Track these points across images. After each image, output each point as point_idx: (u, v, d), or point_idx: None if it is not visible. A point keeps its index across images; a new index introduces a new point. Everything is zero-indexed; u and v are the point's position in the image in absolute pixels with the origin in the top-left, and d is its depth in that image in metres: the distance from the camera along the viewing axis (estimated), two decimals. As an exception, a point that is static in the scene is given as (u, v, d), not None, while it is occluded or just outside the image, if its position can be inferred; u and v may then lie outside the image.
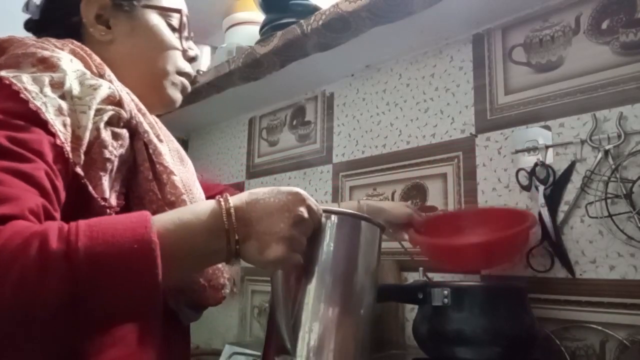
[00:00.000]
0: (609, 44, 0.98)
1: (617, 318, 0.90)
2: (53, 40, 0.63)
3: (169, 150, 0.68)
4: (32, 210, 0.48)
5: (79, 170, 0.54)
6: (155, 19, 0.73)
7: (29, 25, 0.74)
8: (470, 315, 0.84)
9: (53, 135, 0.52)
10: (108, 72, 0.63)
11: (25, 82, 0.53)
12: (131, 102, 0.63)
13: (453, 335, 0.84)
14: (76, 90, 0.55)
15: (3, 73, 0.54)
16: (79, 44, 0.64)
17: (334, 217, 0.64)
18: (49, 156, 0.51)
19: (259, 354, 1.04)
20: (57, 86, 0.54)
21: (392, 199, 1.33)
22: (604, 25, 0.99)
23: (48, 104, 0.52)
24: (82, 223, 0.46)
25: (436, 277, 1.16)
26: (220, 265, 0.69)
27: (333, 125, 1.55)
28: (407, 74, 1.36)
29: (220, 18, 1.72)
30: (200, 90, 1.61)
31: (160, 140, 0.67)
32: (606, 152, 0.94)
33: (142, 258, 0.46)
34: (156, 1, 0.73)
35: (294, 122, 1.69)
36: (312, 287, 0.61)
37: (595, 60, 1.00)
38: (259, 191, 0.57)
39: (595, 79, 0.99)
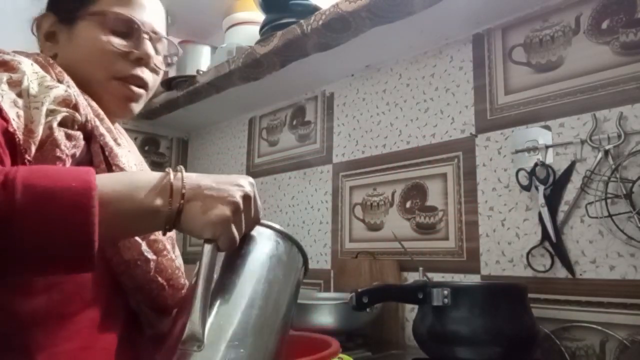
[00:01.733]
0: (609, 44, 0.98)
1: (617, 318, 0.90)
2: (18, 50, 0.65)
3: (128, 152, 0.69)
4: None
5: (28, 157, 0.53)
6: (93, 27, 0.72)
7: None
8: (470, 315, 0.84)
9: (6, 121, 0.52)
10: (67, 79, 0.65)
11: None
12: (87, 107, 0.64)
13: (453, 335, 0.84)
14: (33, 89, 0.57)
15: None
16: (43, 56, 0.67)
17: (264, 229, 0.65)
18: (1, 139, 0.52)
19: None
20: (15, 84, 0.56)
21: (392, 199, 1.33)
22: (604, 25, 0.99)
23: (4, 96, 0.54)
24: (20, 172, 0.46)
25: (436, 277, 1.16)
26: (179, 264, 0.69)
27: (333, 125, 1.55)
28: (407, 74, 1.36)
29: (220, 18, 1.72)
30: (200, 90, 1.61)
31: (118, 144, 0.67)
32: (606, 152, 0.94)
33: (78, 194, 0.46)
34: (97, 8, 0.72)
35: (294, 122, 1.69)
36: (236, 282, 0.57)
37: (595, 60, 1.00)
38: (210, 175, 0.58)
39: (595, 79, 0.99)
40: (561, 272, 0.99)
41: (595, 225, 0.96)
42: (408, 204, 1.29)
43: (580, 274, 0.96)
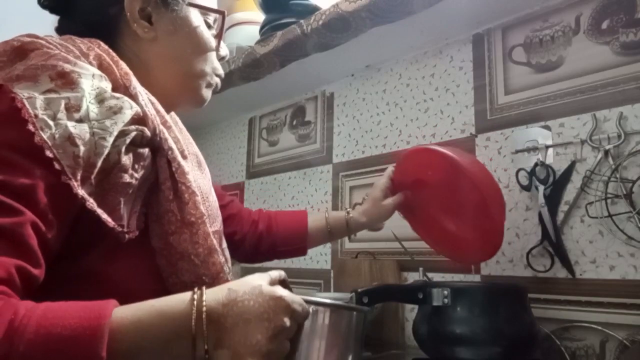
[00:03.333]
0: (609, 44, 0.98)
1: (617, 318, 0.90)
2: (78, 41, 0.59)
3: (191, 163, 0.66)
4: (1, 280, 0.45)
5: (90, 205, 0.52)
6: (197, 19, 0.69)
7: (53, 7, 0.69)
8: (470, 315, 0.84)
9: (58, 173, 0.49)
10: (134, 83, 0.60)
11: (39, 107, 0.50)
12: (156, 116, 0.61)
13: (453, 335, 0.84)
14: (94, 112, 0.52)
15: (18, 90, 0.50)
16: (105, 47, 0.61)
17: (320, 310, 0.63)
18: (42, 202, 0.49)
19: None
20: (74, 109, 0.51)
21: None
22: (604, 25, 0.99)
23: (57, 135, 0.50)
24: (34, 319, 0.44)
25: (436, 277, 1.16)
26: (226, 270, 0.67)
27: (333, 125, 1.55)
28: (407, 74, 1.36)
29: (220, 18, 1.72)
30: (200, 90, 1.61)
31: (184, 157, 0.64)
32: (606, 152, 0.94)
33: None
34: (201, 0, 0.71)
35: (294, 122, 1.69)
36: None
37: (595, 60, 1.00)
38: (239, 288, 0.52)
39: (595, 79, 0.99)
40: (561, 272, 0.99)
41: (595, 225, 0.96)
42: (408, 204, 1.29)
43: (580, 274, 0.96)
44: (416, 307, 0.94)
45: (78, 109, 0.52)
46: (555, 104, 1.04)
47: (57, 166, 0.49)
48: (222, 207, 0.88)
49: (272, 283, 0.56)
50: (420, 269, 1.12)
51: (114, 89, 0.57)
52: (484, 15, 1.15)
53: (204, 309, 0.49)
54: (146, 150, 0.58)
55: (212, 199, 0.74)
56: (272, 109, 1.79)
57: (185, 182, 0.62)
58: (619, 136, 0.93)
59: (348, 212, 1.04)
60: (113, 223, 0.54)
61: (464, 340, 0.84)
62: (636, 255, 0.90)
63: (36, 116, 0.49)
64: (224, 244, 0.75)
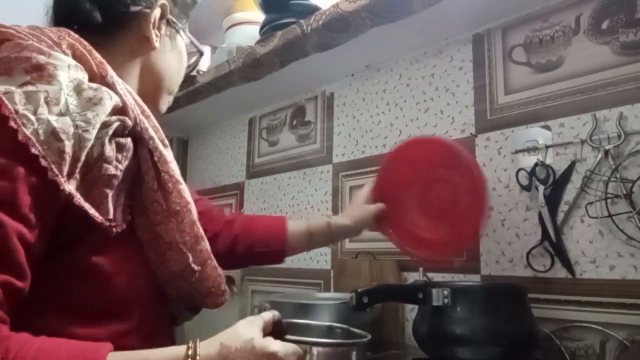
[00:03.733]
0: (609, 44, 0.98)
1: (617, 318, 0.90)
2: (47, 30, 0.58)
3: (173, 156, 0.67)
4: None
5: (77, 201, 0.51)
6: (182, 43, 0.76)
7: None
8: (470, 315, 0.84)
9: (44, 170, 0.48)
10: (110, 71, 0.59)
11: (18, 102, 0.48)
12: (135, 106, 0.60)
13: (453, 335, 0.84)
14: (73, 105, 0.51)
15: None
16: (76, 36, 0.59)
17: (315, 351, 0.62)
18: (25, 206, 0.48)
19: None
20: (54, 103, 0.50)
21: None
22: (604, 25, 0.99)
23: (40, 130, 0.48)
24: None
25: (436, 277, 1.16)
26: (220, 272, 0.69)
27: (333, 125, 1.55)
28: (407, 74, 1.36)
29: (220, 18, 1.72)
30: (200, 90, 1.61)
31: (165, 146, 0.64)
32: (606, 152, 0.94)
33: None
34: (186, 29, 0.78)
35: (294, 122, 1.69)
36: None
37: (595, 60, 1.00)
38: (232, 344, 0.53)
39: (595, 79, 0.99)
40: (561, 272, 0.99)
41: (595, 225, 0.96)
42: (408, 204, 1.29)
43: (580, 274, 0.96)
44: (416, 307, 0.94)
45: (57, 102, 0.50)
46: (555, 104, 1.04)
47: (43, 163, 0.48)
48: (216, 232, 0.91)
49: (266, 327, 0.57)
50: (420, 269, 1.12)
51: (90, 79, 0.56)
52: (484, 15, 1.15)
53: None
54: (128, 140, 0.57)
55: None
56: (272, 109, 1.79)
57: (168, 171, 0.62)
58: (619, 136, 0.93)
59: (329, 216, 1.02)
60: (101, 218, 0.54)
61: (464, 340, 0.84)
62: (636, 255, 0.90)
63: (17, 112, 0.48)
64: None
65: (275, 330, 0.61)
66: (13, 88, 0.49)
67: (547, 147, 1.03)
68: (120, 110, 0.57)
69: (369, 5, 1.08)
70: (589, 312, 0.94)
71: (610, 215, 0.92)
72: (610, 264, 0.93)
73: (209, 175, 2.02)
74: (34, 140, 0.48)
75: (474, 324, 0.84)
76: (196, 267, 0.64)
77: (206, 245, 0.66)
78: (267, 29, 1.35)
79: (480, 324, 0.84)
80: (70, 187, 0.50)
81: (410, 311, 1.20)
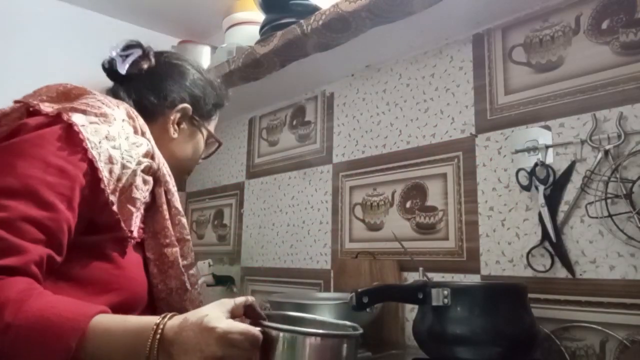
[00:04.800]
0: (609, 44, 0.98)
1: (617, 318, 0.90)
2: (111, 98, 0.78)
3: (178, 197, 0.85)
4: (35, 262, 0.60)
5: (115, 210, 0.69)
6: (202, 138, 0.94)
7: (111, 74, 0.88)
8: (470, 316, 0.84)
9: (99, 180, 0.67)
10: (148, 134, 0.79)
11: (89, 132, 0.68)
12: (161, 157, 0.80)
13: (453, 335, 0.84)
14: (124, 144, 0.71)
15: (75, 119, 0.68)
16: (131, 107, 0.80)
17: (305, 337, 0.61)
18: (76, 200, 0.65)
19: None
20: (111, 139, 0.70)
21: (392, 199, 1.33)
22: (604, 25, 0.99)
23: (102, 155, 0.68)
24: (43, 296, 0.58)
25: (436, 277, 1.16)
26: (202, 299, 0.83)
27: (333, 125, 1.55)
28: (407, 74, 1.36)
29: (220, 18, 1.72)
30: (200, 90, 1.61)
31: (176, 190, 0.83)
32: (606, 152, 0.94)
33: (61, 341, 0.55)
34: (209, 128, 0.96)
35: (294, 122, 1.69)
36: None
37: (595, 60, 1.00)
38: (192, 317, 0.58)
39: (595, 79, 0.99)
40: (561, 272, 0.99)
41: (595, 225, 0.96)
42: (408, 204, 1.29)
43: (580, 274, 0.96)
44: (416, 307, 0.94)
45: (114, 139, 0.70)
46: (555, 104, 1.04)
47: (100, 175, 0.67)
48: None
49: (235, 310, 0.61)
50: (420, 269, 1.12)
51: (135, 132, 0.76)
52: (484, 15, 1.15)
53: (158, 335, 0.57)
54: (150, 178, 0.76)
55: None
56: (272, 109, 1.79)
57: (178, 207, 0.81)
58: (619, 136, 0.93)
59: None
60: (126, 228, 0.71)
61: (464, 340, 0.84)
62: (636, 255, 0.90)
63: (88, 139, 0.67)
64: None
65: (249, 315, 0.63)
66: (86, 123, 0.69)
67: (547, 147, 1.03)
68: (151, 156, 0.77)
69: (369, 5, 1.08)
70: (589, 312, 0.94)
71: (610, 215, 0.92)
72: (610, 264, 0.93)
73: (209, 175, 2.02)
74: (97, 158, 0.67)
75: (474, 324, 0.84)
76: (189, 287, 0.80)
77: (195, 271, 0.82)
78: (267, 29, 1.35)
79: (480, 324, 0.84)
80: (113, 197, 0.68)
81: (410, 311, 1.20)
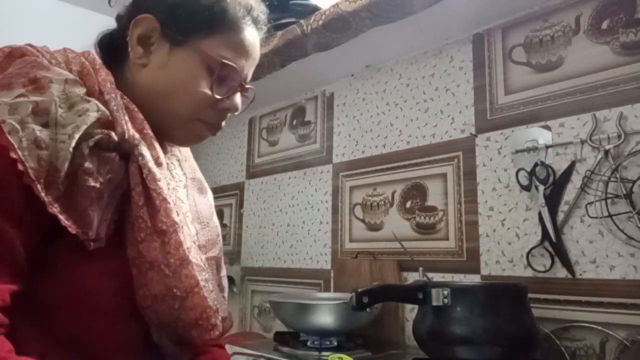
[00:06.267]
0: (609, 44, 0.98)
1: (617, 318, 0.90)
2: (69, 51, 0.61)
3: (171, 171, 0.66)
4: (1, 309, 0.50)
5: (52, 210, 0.52)
6: (192, 61, 0.66)
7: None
8: (470, 315, 0.84)
9: (20, 173, 0.50)
10: (110, 89, 0.60)
11: (4, 112, 0.51)
12: (127, 122, 0.60)
13: (453, 335, 0.84)
14: (61, 117, 0.53)
15: None
16: (92, 57, 0.63)
17: None
18: (16, 206, 0.51)
19: (259, 354, 1.04)
20: (41, 113, 0.53)
21: (392, 199, 1.33)
22: (604, 25, 0.99)
23: (23, 138, 0.51)
24: None
25: (436, 277, 1.16)
26: (212, 304, 0.64)
27: (333, 125, 1.55)
28: (407, 74, 1.36)
29: (220, 18, 1.72)
30: (200, 90, 1.61)
31: (159, 164, 0.63)
32: (606, 152, 0.94)
33: None
34: (209, 47, 0.66)
35: (294, 122, 1.69)
36: None
37: (595, 60, 1.00)
38: None
39: (595, 79, 0.99)
40: (561, 272, 0.99)
41: (595, 225, 0.96)
42: (408, 204, 1.29)
43: (580, 274, 0.96)
44: (416, 307, 0.94)
45: (45, 113, 0.53)
46: (555, 104, 1.04)
47: (20, 167, 0.50)
48: None
49: None
50: (420, 269, 1.12)
51: (88, 94, 0.58)
52: (484, 15, 1.15)
53: None
54: (113, 155, 0.58)
55: (213, 225, 0.75)
56: (272, 109, 1.79)
57: (156, 188, 0.60)
58: (619, 136, 0.93)
59: None
60: (77, 229, 0.54)
61: (464, 340, 0.84)
62: (636, 255, 0.90)
63: (3, 121, 0.51)
64: (223, 272, 0.75)
65: None
66: (6, 100, 0.52)
67: (547, 147, 1.03)
68: (109, 124, 0.57)
69: (369, 5, 1.08)
70: (589, 312, 0.94)
71: (610, 215, 0.92)
72: (610, 264, 0.93)
73: (209, 175, 2.02)
74: (16, 146, 0.50)
75: (474, 324, 0.84)
76: (179, 293, 0.60)
77: (194, 271, 0.62)
78: (267, 29, 1.35)
79: (480, 324, 0.84)
80: (47, 196, 0.51)
81: (410, 311, 1.20)
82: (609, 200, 0.92)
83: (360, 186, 1.43)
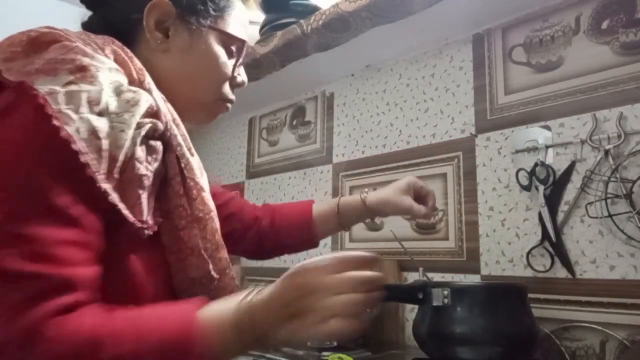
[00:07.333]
0: (609, 44, 0.98)
1: (617, 318, 0.90)
2: (93, 36, 0.60)
3: (197, 162, 0.67)
4: (93, 289, 0.51)
5: (111, 200, 0.52)
6: (215, 43, 0.69)
7: (89, 3, 0.71)
8: (470, 315, 0.84)
9: (82, 166, 0.50)
10: (148, 79, 0.61)
11: (61, 101, 0.50)
12: (167, 113, 0.61)
13: (453, 335, 0.84)
14: (113, 105, 0.53)
15: (38, 85, 0.51)
16: (119, 44, 0.61)
17: None
18: (86, 198, 0.51)
19: (259, 354, 1.04)
20: (95, 102, 0.52)
21: (392, 199, 1.32)
22: (604, 25, 0.99)
23: (81, 129, 0.50)
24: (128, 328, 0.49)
25: (436, 277, 1.16)
26: (237, 282, 0.68)
27: (333, 125, 1.55)
28: (407, 74, 1.36)
29: (220, 18, 1.72)
30: (200, 90, 1.61)
31: (192, 154, 0.65)
32: (606, 152, 0.94)
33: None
34: (224, 26, 0.70)
35: (294, 122, 1.69)
36: None
37: (595, 60, 1.00)
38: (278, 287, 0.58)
39: (595, 79, 0.99)
40: (561, 272, 0.99)
41: (595, 225, 0.96)
42: (408, 204, 1.29)
43: (580, 274, 0.96)
44: (416, 307, 0.94)
45: (98, 102, 0.52)
46: (555, 104, 1.04)
47: (82, 159, 0.49)
48: (221, 206, 0.86)
49: (342, 263, 0.59)
50: (421, 269, 1.12)
51: (129, 84, 0.58)
52: (484, 15, 1.15)
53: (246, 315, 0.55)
54: (158, 143, 0.59)
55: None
56: (272, 109, 1.79)
57: (193, 177, 0.63)
58: (619, 136, 0.93)
59: (362, 196, 0.95)
60: (133, 218, 0.55)
61: (464, 340, 0.83)
62: (636, 255, 0.90)
63: (60, 111, 0.50)
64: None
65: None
66: (57, 88, 0.51)
67: (547, 147, 1.03)
68: (154, 114, 0.58)
69: (369, 5, 1.08)
70: (589, 312, 0.94)
71: (610, 215, 0.92)
72: (610, 264, 0.93)
73: (209, 175, 2.02)
74: (75, 138, 0.49)
75: (474, 324, 0.84)
76: (215, 275, 0.64)
77: (225, 254, 0.66)
78: (267, 29, 1.35)
79: (480, 324, 0.84)
80: (107, 185, 0.51)
81: (410, 311, 1.20)
82: (609, 200, 0.92)
83: (360, 186, 1.42)
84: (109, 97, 0.53)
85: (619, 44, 0.97)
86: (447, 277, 1.16)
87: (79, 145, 0.49)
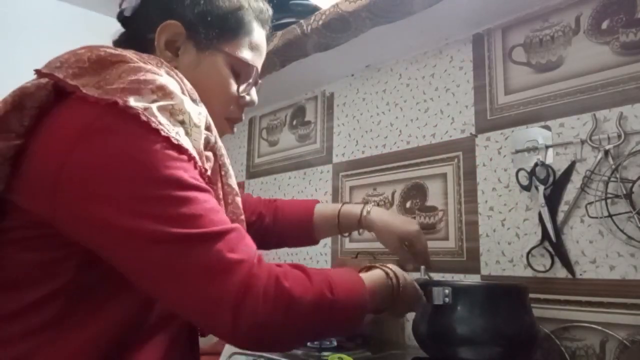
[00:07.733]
0: (609, 44, 0.98)
1: (617, 318, 0.90)
2: (145, 56, 0.63)
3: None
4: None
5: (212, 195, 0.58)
6: (221, 63, 0.73)
7: (123, 22, 0.75)
8: (471, 315, 0.84)
9: (194, 160, 0.56)
10: (197, 96, 0.65)
11: (158, 116, 0.54)
12: (212, 124, 0.66)
13: (453, 335, 0.84)
14: (190, 120, 0.58)
15: (134, 104, 0.54)
16: (168, 64, 0.65)
17: None
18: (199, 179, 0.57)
19: (258, 354, 1.04)
20: (178, 113, 0.57)
21: (392, 199, 1.33)
22: (604, 25, 0.99)
23: (180, 134, 0.56)
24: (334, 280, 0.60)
25: (436, 277, 1.16)
26: None
27: (333, 125, 1.55)
28: (407, 74, 1.36)
29: (220, 18, 1.72)
30: (200, 90, 1.61)
31: (229, 162, 0.71)
32: (606, 152, 0.94)
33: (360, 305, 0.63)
34: (233, 49, 0.73)
35: (294, 122, 1.69)
36: None
37: (595, 60, 1.00)
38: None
39: (595, 79, 0.99)
40: (561, 272, 0.99)
41: (595, 225, 0.96)
42: (408, 204, 1.29)
43: (580, 274, 0.96)
44: (416, 307, 0.94)
45: (182, 113, 0.57)
46: (555, 104, 1.04)
47: (191, 154, 0.56)
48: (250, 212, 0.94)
49: None
50: (422, 268, 1.11)
51: (191, 100, 0.62)
52: (484, 15, 1.15)
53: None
54: (210, 154, 0.64)
55: None
56: (272, 109, 1.79)
57: (231, 184, 0.69)
58: (619, 136, 0.93)
59: (363, 212, 0.98)
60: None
61: (464, 340, 0.84)
62: (636, 255, 0.90)
63: (160, 123, 0.54)
64: None
65: None
66: (149, 105, 0.55)
67: (547, 147, 1.03)
68: (208, 127, 0.64)
69: (369, 5, 1.08)
70: (589, 312, 0.94)
71: (610, 215, 0.92)
72: (610, 264, 0.93)
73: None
74: (184, 145, 0.55)
75: (474, 324, 0.84)
76: None
77: None
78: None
79: (481, 323, 0.84)
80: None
81: (410, 311, 1.20)
82: (609, 200, 0.93)
83: (360, 186, 1.43)
84: (189, 110, 0.58)
85: (619, 44, 0.97)
86: (447, 277, 1.16)
87: (190, 150, 0.56)
